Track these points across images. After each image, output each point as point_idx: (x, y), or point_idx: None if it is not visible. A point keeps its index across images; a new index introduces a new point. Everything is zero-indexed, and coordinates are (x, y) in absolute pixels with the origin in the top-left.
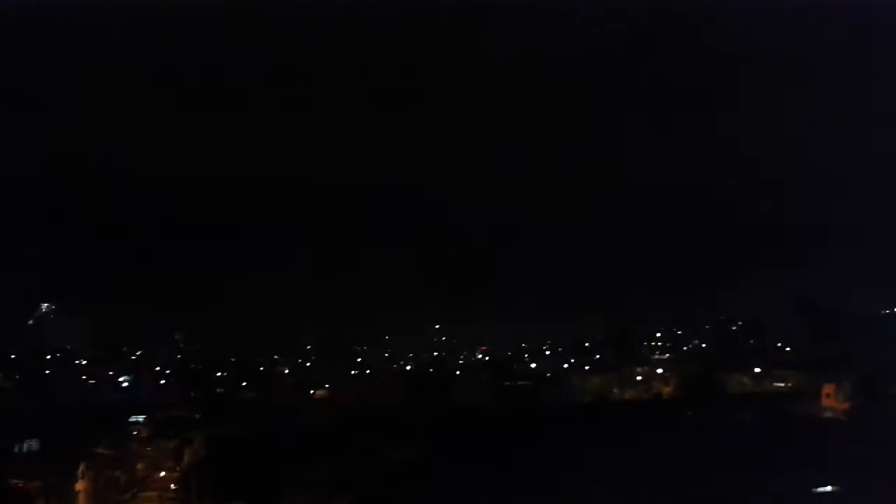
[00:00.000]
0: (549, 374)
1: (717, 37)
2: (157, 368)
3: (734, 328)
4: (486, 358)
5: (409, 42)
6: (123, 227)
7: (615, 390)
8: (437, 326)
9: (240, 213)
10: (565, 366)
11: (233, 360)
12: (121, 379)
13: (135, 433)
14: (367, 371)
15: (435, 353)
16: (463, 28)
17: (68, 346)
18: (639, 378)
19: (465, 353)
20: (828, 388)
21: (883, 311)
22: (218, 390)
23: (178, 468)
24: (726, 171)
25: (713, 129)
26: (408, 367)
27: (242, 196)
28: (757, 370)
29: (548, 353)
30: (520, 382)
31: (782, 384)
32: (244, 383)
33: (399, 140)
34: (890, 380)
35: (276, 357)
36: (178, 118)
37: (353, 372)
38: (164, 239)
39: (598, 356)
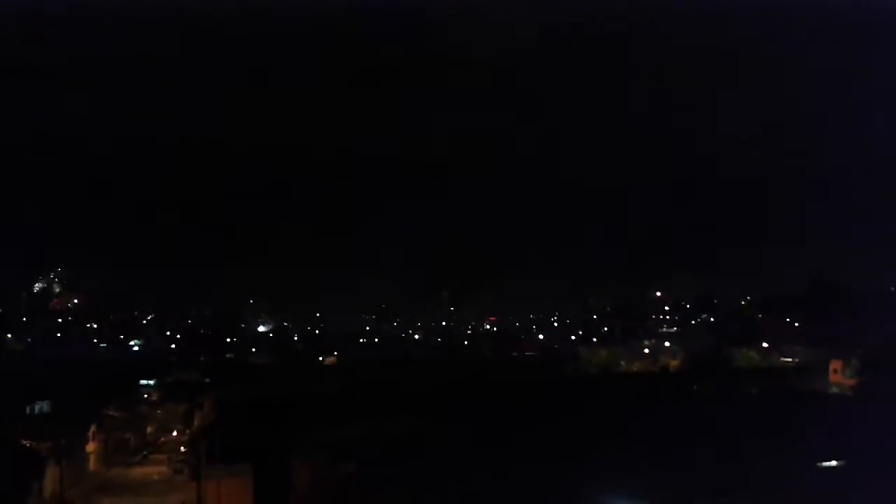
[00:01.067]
0: (556, 346)
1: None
2: (168, 333)
3: (743, 303)
4: (495, 329)
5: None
6: (133, 193)
7: (622, 362)
8: (446, 294)
9: (254, 179)
10: (573, 337)
11: (242, 326)
12: (132, 342)
13: (145, 396)
14: (376, 339)
15: (444, 323)
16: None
17: (77, 311)
18: (646, 351)
19: (474, 323)
20: (835, 364)
21: (892, 288)
22: (228, 355)
23: (187, 431)
24: (741, 147)
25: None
26: (416, 336)
27: (255, 161)
28: (765, 345)
29: (556, 324)
30: (527, 353)
31: (790, 359)
32: (253, 349)
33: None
34: None
35: (285, 324)
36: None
37: (361, 340)
38: (175, 206)
39: (605, 328)
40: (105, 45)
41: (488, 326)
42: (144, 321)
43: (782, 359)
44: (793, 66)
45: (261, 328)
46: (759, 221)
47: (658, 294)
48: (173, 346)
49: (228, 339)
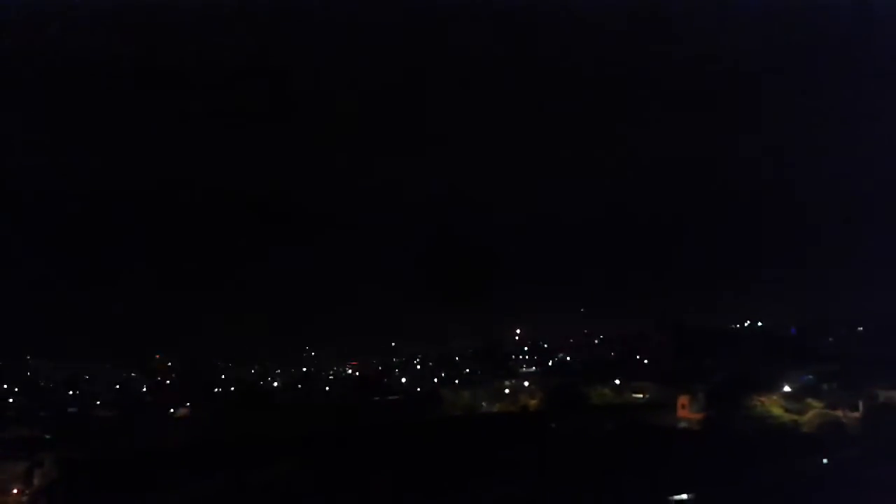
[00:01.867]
0: (419, 389)
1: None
2: (5, 386)
3: (596, 342)
4: (357, 373)
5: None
6: None
7: (484, 403)
8: (307, 346)
9: (93, 228)
10: (435, 380)
11: (86, 377)
12: None
13: None
14: (232, 388)
15: (304, 369)
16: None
17: None
18: (507, 391)
19: (336, 367)
20: (682, 399)
21: (732, 326)
22: (70, 409)
23: (27, 492)
24: (595, 189)
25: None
26: (275, 384)
27: (94, 208)
28: (617, 382)
29: (418, 367)
30: (389, 397)
31: (640, 395)
32: (98, 402)
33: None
34: (740, 391)
35: (132, 375)
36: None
37: (216, 390)
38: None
39: (467, 370)
40: None
41: (350, 371)
42: None
43: (634, 395)
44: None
45: (105, 379)
46: (608, 260)
47: (518, 333)
48: (10, 399)
49: (70, 392)
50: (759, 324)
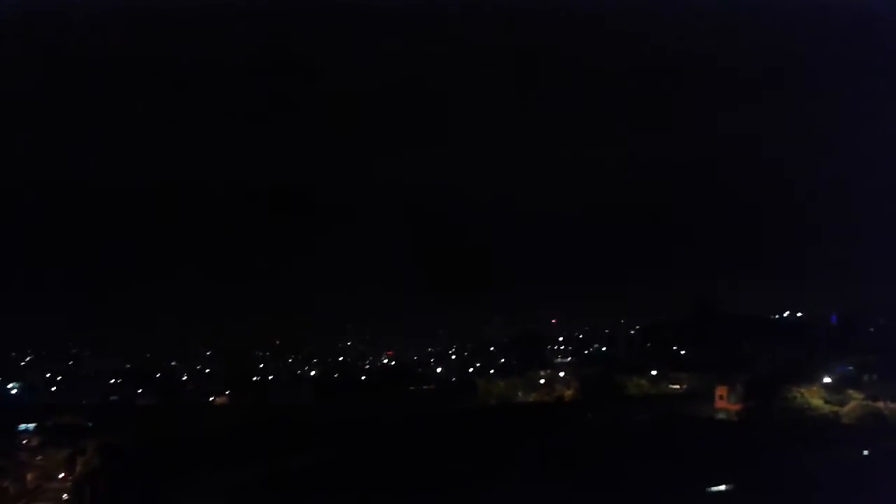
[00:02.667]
0: (453, 378)
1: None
2: (48, 375)
3: (633, 332)
4: (393, 363)
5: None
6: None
7: (519, 393)
8: (347, 330)
9: (134, 217)
10: (470, 370)
11: (127, 366)
12: (9, 385)
13: (24, 442)
14: (270, 377)
15: (340, 358)
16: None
17: None
18: (542, 381)
19: (372, 357)
20: (720, 390)
21: (774, 316)
22: (112, 397)
23: (70, 478)
24: (629, 179)
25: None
26: (312, 373)
27: (134, 200)
28: (654, 372)
29: (454, 357)
30: (425, 387)
31: (677, 386)
32: (140, 390)
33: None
34: (779, 382)
35: (173, 363)
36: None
37: (254, 378)
38: (57, 241)
39: (502, 360)
40: None
41: (386, 360)
42: (23, 363)
43: (670, 386)
44: None
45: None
46: (647, 249)
47: (553, 322)
48: (54, 388)
49: (112, 381)
50: (799, 314)
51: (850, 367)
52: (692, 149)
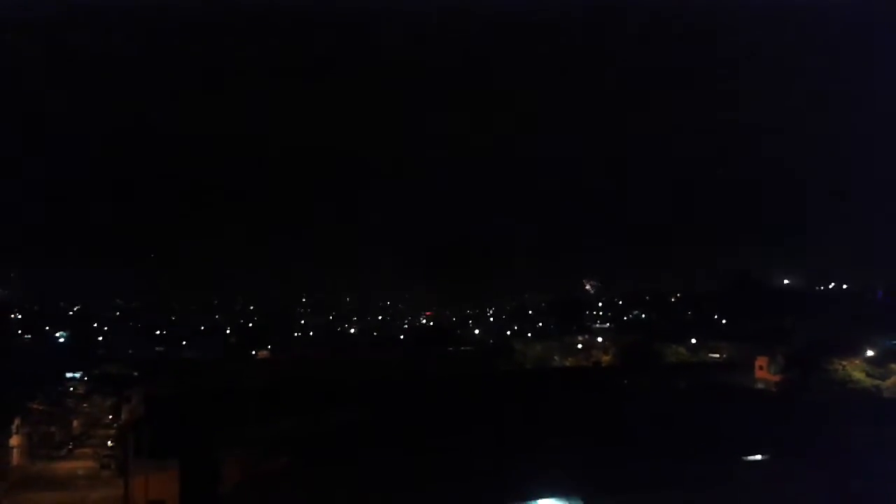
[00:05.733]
0: (491, 341)
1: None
2: (95, 325)
3: (673, 299)
4: (431, 323)
5: None
6: (58, 181)
7: (556, 357)
8: (383, 291)
9: (181, 171)
10: (508, 332)
11: (173, 318)
12: (57, 334)
13: (71, 389)
14: (311, 333)
15: (380, 317)
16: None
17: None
18: (580, 346)
19: (410, 317)
20: (761, 361)
21: (817, 288)
22: (157, 348)
23: (115, 425)
24: (676, 147)
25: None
26: (352, 331)
27: (184, 153)
28: (693, 341)
29: (491, 319)
30: (462, 348)
31: (717, 355)
32: (184, 342)
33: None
34: (821, 354)
35: (216, 317)
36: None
37: (295, 334)
38: (103, 194)
39: (540, 324)
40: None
41: (424, 321)
42: (70, 312)
43: (710, 355)
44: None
45: (192, 321)
46: (689, 220)
47: (589, 288)
48: (101, 338)
49: (158, 332)
50: (845, 286)
51: (894, 342)
52: (740, 125)
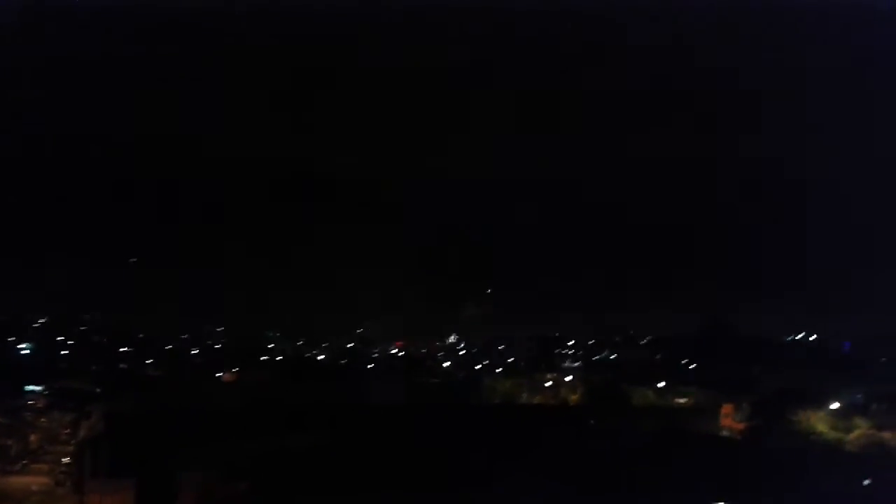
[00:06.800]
0: (460, 375)
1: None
2: (60, 338)
3: (643, 342)
4: (401, 353)
5: None
6: (26, 191)
7: (524, 394)
8: (354, 317)
9: (160, 188)
10: (477, 367)
11: (140, 336)
12: (21, 346)
13: (31, 402)
14: (279, 358)
15: (350, 344)
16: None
17: None
18: (548, 384)
19: (381, 346)
20: (726, 408)
21: (787, 338)
22: (121, 365)
23: (73, 441)
24: (644, 190)
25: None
26: (320, 357)
27: (162, 166)
28: (661, 384)
29: (462, 353)
30: (432, 380)
31: (684, 400)
32: (149, 360)
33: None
34: (786, 404)
35: (184, 337)
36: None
37: (263, 358)
38: (75, 206)
39: (510, 360)
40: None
41: (395, 351)
42: (35, 325)
43: (677, 399)
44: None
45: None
46: (661, 263)
47: (562, 329)
48: (65, 352)
49: (122, 349)
50: (813, 337)
51: (860, 396)
52: (710, 166)
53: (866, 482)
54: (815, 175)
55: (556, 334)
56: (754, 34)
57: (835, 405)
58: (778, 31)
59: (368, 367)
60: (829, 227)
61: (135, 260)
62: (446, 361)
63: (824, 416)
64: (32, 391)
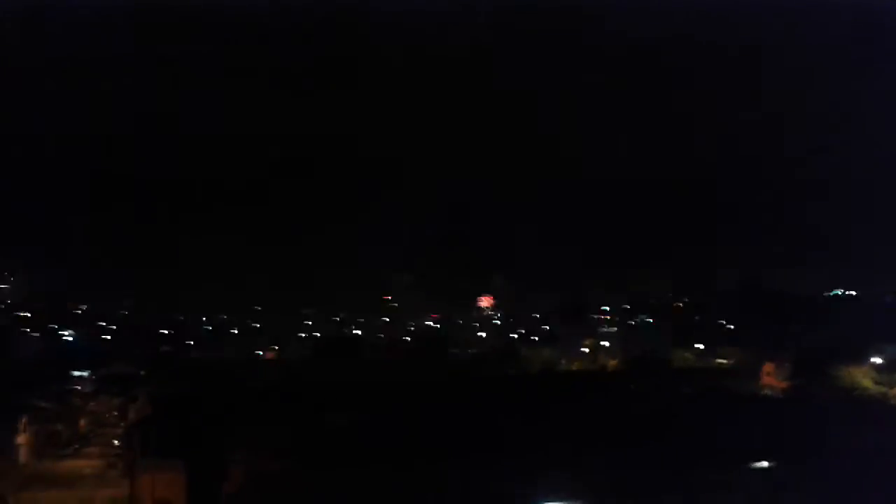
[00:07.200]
0: (498, 344)
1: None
2: (103, 324)
3: (680, 304)
4: (437, 325)
5: None
6: (66, 181)
7: (563, 361)
8: (388, 298)
9: (190, 171)
10: (514, 336)
11: (181, 318)
12: (64, 333)
13: (78, 388)
14: (317, 334)
15: (386, 319)
16: None
17: (8, 300)
18: (586, 350)
19: (417, 319)
20: (767, 367)
21: (825, 294)
22: (164, 348)
23: (121, 425)
24: (681, 154)
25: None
26: (357, 332)
27: (192, 154)
28: (700, 346)
29: (498, 322)
30: (469, 350)
31: (724, 361)
32: (191, 342)
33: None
34: (828, 360)
35: (224, 317)
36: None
37: (301, 335)
38: (111, 195)
39: (547, 327)
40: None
41: (430, 323)
42: (78, 311)
43: (717, 360)
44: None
45: (199, 322)
46: (694, 223)
47: (599, 294)
48: (108, 336)
49: (165, 332)
50: (853, 293)
51: None
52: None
53: None
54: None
55: (590, 300)
56: None
57: (877, 359)
58: None
59: (405, 339)
60: (869, 184)
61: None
62: (482, 332)
63: (867, 372)
64: (79, 377)
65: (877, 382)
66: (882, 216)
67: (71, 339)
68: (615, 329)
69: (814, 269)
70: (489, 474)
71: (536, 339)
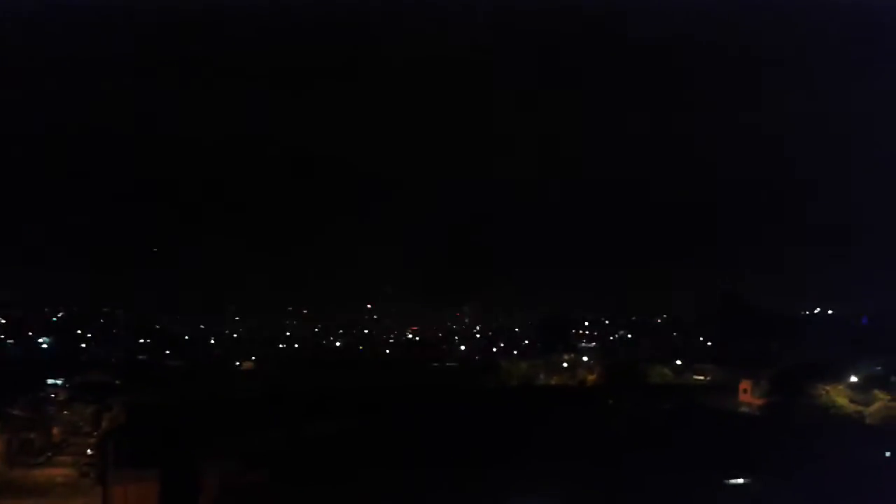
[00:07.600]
0: (476, 357)
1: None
2: (79, 332)
3: (659, 321)
4: (417, 338)
5: None
6: (42, 186)
7: (541, 376)
8: (369, 306)
9: (176, 177)
10: (494, 349)
11: (157, 327)
12: (40, 340)
13: (52, 396)
14: (296, 345)
15: (366, 331)
16: None
17: None
18: (565, 365)
19: (396, 332)
20: (745, 384)
21: (803, 313)
22: (140, 357)
23: (95, 433)
24: (660, 169)
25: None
26: (337, 343)
27: (178, 159)
28: (678, 362)
29: (478, 336)
30: (448, 364)
31: (702, 377)
32: (168, 351)
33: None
34: (805, 378)
35: (202, 327)
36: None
37: (280, 346)
38: (90, 201)
39: (526, 341)
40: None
41: (410, 336)
42: (55, 318)
43: (695, 377)
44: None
45: (176, 331)
46: (676, 241)
47: (578, 310)
48: (83, 345)
49: (141, 341)
50: (830, 311)
51: (879, 368)
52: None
53: (888, 454)
54: (835, 153)
55: (571, 315)
56: None
57: (854, 378)
58: None
59: (385, 351)
60: (846, 201)
61: (156, 249)
62: (462, 345)
63: (843, 390)
64: (54, 384)
65: (853, 401)
66: (860, 238)
67: (47, 346)
68: (595, 344)
69: (793, 288)
70: (470, 485)
71: (516, 352)
